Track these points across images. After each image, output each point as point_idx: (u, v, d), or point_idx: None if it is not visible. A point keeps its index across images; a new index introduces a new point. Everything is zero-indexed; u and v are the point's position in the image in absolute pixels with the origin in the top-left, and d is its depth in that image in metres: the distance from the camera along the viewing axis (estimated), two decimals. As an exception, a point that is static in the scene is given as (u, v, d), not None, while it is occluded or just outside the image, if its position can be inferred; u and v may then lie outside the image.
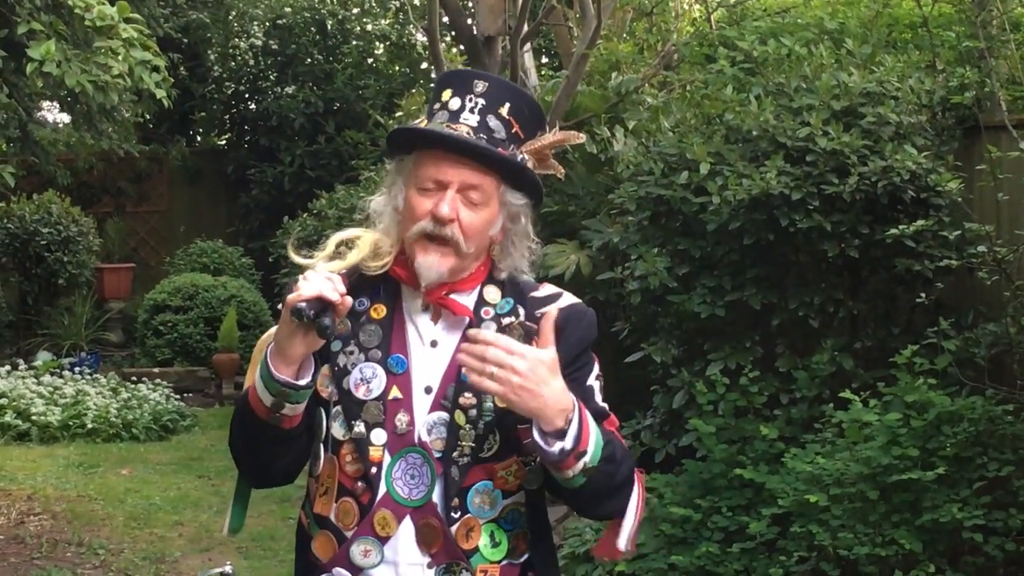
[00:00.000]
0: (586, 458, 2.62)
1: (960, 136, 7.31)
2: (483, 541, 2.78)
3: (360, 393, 2.78)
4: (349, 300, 2.65)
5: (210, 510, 9.74)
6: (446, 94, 2.82)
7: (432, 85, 2.94)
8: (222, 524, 9.25)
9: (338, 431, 2.79)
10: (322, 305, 2.60)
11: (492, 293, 2.86)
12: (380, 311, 2.84)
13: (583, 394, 2.74)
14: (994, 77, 6.94)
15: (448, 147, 2.75)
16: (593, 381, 2.85)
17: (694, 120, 8.21)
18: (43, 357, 15.34)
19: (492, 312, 2.84)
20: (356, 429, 2.76)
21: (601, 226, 8.46)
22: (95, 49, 7.70)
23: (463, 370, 2.69)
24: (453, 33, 15.28)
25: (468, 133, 2.75)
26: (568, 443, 2.59)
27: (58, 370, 14.05)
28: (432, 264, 2.74)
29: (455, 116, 2.78)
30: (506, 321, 2.82)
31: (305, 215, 15.57)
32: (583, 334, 2.84)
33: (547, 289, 2.91)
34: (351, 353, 2.80)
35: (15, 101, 8.52)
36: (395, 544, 2.75)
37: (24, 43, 7.44)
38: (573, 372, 2.76)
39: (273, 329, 2.85)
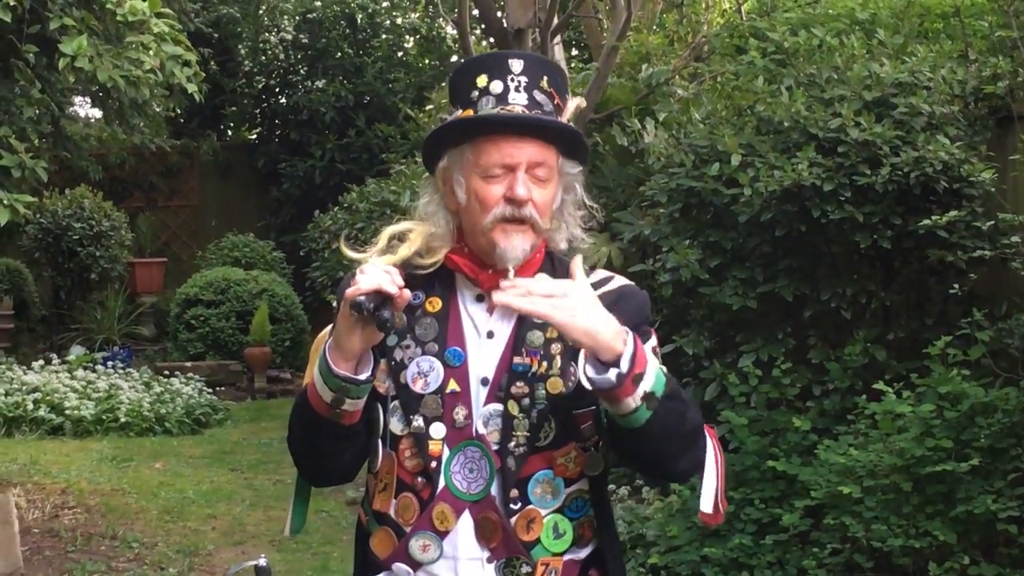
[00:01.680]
0: (645, 384, 2.54)
1: (993, 126, 7.27)
2: (544, 533, 2.75)
3: (418, 387, 2.76)
4: (408, 293, 2.63)
5: (243, 503, 9.78)
6: (482, 80, 2.78)
7: (455, 74, 2.88)
8: (256, 517, 9.20)
9: (396, 426, 2.77)
10: (381, 298, 2.58)
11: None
12: (435, 304, 2.82)
13: None
14: (1027, 66, 6.91)
15: (514, 129, 2.72)
16: (647, 348, 2.75)
17: (725, 112, 8.19)
18: (76, 351, 15.42)
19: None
20: (415, 424, 2.74)
21: (632, 218, 8.45)
22: (126, 44, 7.73)
23: (518, 355, 2.72)
24: (483, 26, 15.27)
25: (523, 111, 2.74)
26: (624, 366, 2.51)
27: (91, 364, 14.13)
28: (517, 245, 2.72)
29: (503, 99, 2.75)
30: None
31: (336, 208, 15.61)
32: (634, 313, 2.79)
33: (598, 274, 2.88)
34: (407, 347, 2.78)
35: (47, 96, 8.56)
36: (454, 539, 2.73)
37: (56, 38, 7.48)
38: None
39: (329, 328, 2.83)
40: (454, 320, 2.81)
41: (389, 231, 2.86)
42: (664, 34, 12.92)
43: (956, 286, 6.61)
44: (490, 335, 2.80)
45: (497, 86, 2.76)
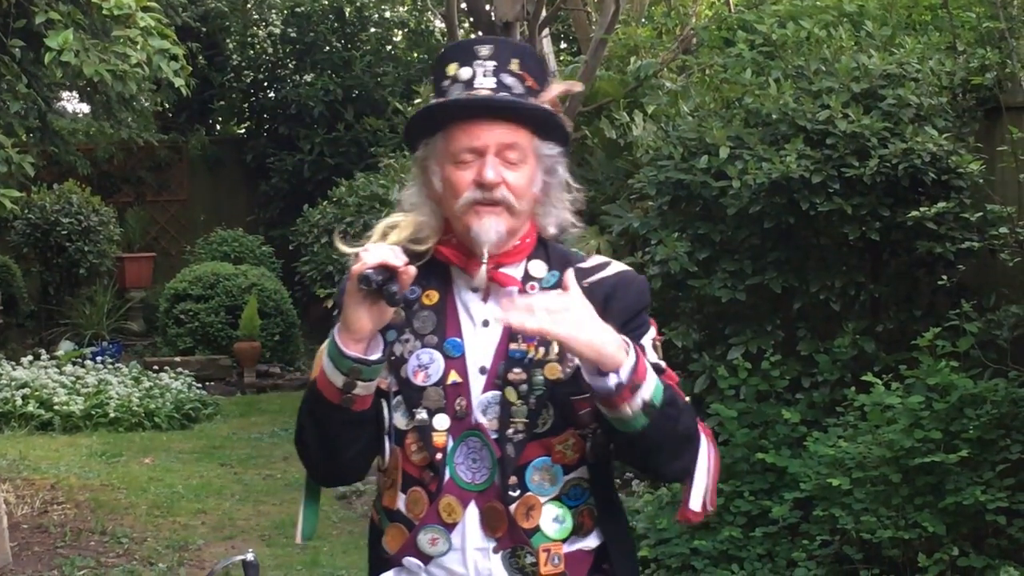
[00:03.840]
0: (643, 393, 2.56)
1: (981, 117, 7.27)
2: (544, 520, 2.75)
3: (419, 380, 2.75)
4: (413, 269, 2.62)
5: (233, 498, 9.77)
6: (452, 67, 2.78)
7: (432, 65, 2.90)
8: (246, 512, 9.16)
9: (400, 421, 2.77)
10: (388, 273, 2.58)
11: (538, 267, 2.84)
12: (432, 297, 2.81)
13: None
14: (1015, 58, 6.90)
15: (477, 112, 2.72)
16: (647, 340, 2.79)
17: (713, 104, 8.19)
18: (65, 347, 15.40)
19: (538, 287, 2.80)
20: (419, 416, 2.74)
21: (621, 211, 8.44)
22: (113, 38, 7.71)
23: (514, 342, 2.72)
24: (471, 19, 15.27)
25: (489, 95, 2.72)
26: (623, 375, 2.53)
27: (80, 360, 14.10)
28: (490, 226, 2.72)
29: (469, 84, 2.74)
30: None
31: (325, 203, 15.62)
32: (631, 301, 2.81)
33: (595, 259, 2.87)
34: (406, 341, 2.78)
35: (34, 91, 8.53)
36: (461, 530, 2.74)
37: (42, 33, 7.46)
38: (626, 334, 2.69)
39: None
40: (451, 311, 2.81)
41: (382, 224, 2.87)
42: (652, 27, 12.92)
43: (945, 277, 6.62)
44: (485, 323, 2.79)
45: (465, 72, 2.76)
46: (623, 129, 9.41)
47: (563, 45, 19.25)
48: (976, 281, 7.01)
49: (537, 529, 2.75)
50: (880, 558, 6.16)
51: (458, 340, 2.78)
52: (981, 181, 6.81)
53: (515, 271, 2.81)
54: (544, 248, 2.87)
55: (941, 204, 6.51)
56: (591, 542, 2.83)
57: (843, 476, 6.13)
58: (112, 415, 12.40)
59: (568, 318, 2.50)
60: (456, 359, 2.76)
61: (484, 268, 2.76)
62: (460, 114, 2.73)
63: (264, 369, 15.80)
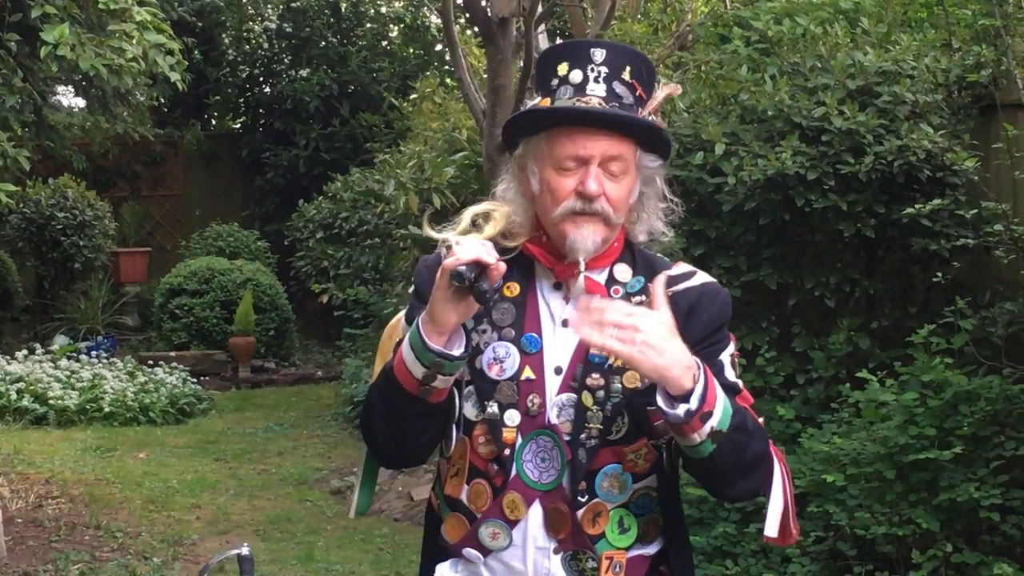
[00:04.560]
0: (712, 421, 2.53)
1: (976, 115, 7.27)
2: (610, 526, 2.74)
3: (493, 373, 2.74)
4: (503, 266, 2.60)
5: (227, 493, 9.77)
6: (563, 67, 2.74)
7: (540, 59, 2.85)
8: (241, 507, 9.14)
9: (470, 411, 2.75)
10: (479, 269, 2.56)
11: (623, 271, 2.81)
12: (513, 289, 2.79)
13: (713, 368, 2.66)
14: (1010, 55, 6.89)
15: (589, 122, 2.68)
16: (725, 356, 2.78)
17: (709, 100, 8.18)
18: (60, 341, 15.40)
19: (622, 291, 2.78)
20: (489, 410, 2.72)
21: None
22: (109, 32, 7.70)
23: (589, 348, 2.66)
24: (467, 15, 15.26)
25: (599, 104, 2.69)
26: (693, 403, 2.50)
27: (75, 354, 14.11)
28: (587, 237, 2.69)
29: (581, 89, 2.71)
30: (636, 300, 2.74)
31: (320, 198, 15.62)
32: (714, 315, 2.79)
33: (680, 267, 2.85)
34: (484, 332, 2.76)
35: (30, 85, 8.52)
36: (523, 528, 2.72)
37: (38, 26, 7.45)
38: (705, 348, 2.69)
39: (397, 317, 2.85)
40: (531, 306, 2.79)
41: (471, 211, 2.84)
42: (648, 23, 12.90)
43: (939, 274, 6.61)
44: (565, 324, 2.76)
45: (576, 75, 2.72)
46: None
47: (559, 41, 19.25)
48: (971, 278, 7.02)
49: (602, 536, 2.74)
50: (874, 554, 6.17)
51: (536, 336, 2.76)
52: (976, 178, 6.82)
53: (599, 275, 2.79)
54: (631, 252, 2.85)
55: (936, 201, 6.51)
56: (651, 548, 2.82)
57: (837, 472, 6.14)
58: (107, 410, 12.41)
59: (635, 338, 2.46)
60: (532, 355, 2.74)
61: (582, 278, 2.74)
62: (567, 121, 2.70)
63: (259, 364, 15.82)
